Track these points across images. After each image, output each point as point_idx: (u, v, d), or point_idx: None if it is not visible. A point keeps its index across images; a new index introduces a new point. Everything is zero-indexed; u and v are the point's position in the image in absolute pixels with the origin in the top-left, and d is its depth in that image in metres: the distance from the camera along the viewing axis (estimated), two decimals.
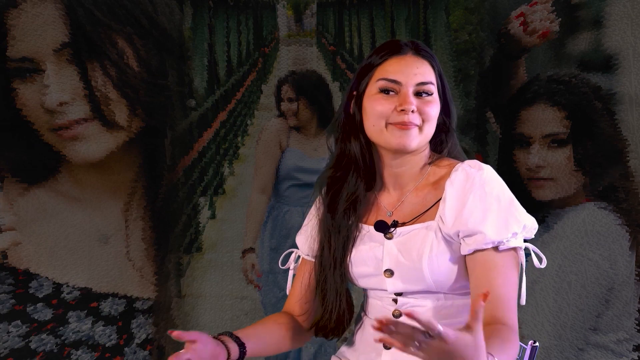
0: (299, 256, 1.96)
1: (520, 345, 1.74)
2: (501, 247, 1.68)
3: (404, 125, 1.72)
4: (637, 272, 3.31)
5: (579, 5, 3.40)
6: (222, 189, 3.90)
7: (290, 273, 1.95)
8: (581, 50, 3.40)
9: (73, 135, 3.42)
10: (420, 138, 1.75)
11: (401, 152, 1.76)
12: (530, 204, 1.77)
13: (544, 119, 3.41)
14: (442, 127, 1.81)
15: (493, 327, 1.61)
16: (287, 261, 1.96)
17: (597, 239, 3.32)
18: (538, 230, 1.74)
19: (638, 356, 3.32)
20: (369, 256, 1.79)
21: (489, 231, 1.67)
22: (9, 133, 3.40)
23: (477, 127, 3.66)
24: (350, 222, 1.82)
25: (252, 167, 3.75)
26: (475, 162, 1.76)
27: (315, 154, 3.65)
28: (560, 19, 3.41)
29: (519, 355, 1.77)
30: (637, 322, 3.33)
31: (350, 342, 1.90)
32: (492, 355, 1.45)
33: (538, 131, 3.42)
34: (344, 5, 4.05)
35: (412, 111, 1.72)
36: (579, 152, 3.37)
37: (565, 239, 3.35)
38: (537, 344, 1.72)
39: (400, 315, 1.77)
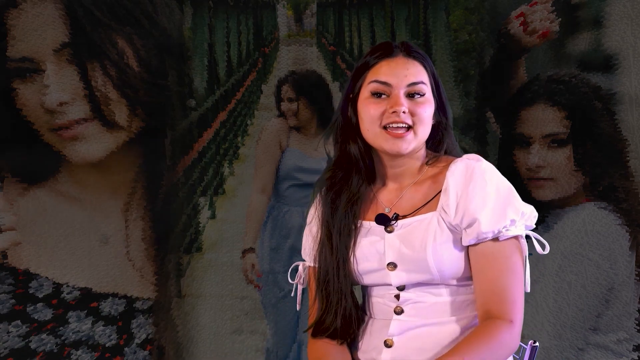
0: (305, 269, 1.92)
1: (520, 345, 1.74)
2: (501, 237, 1.69)
3: (397, 134, 1.74)
4: (637, 272, 3.31)
5: (579, 5, 3.40)
6: (222, 189, 3.89)
7: (300, 288, 1.92)
8: (581, 50, 3.40)
9: (73, 135, 3.42)
10: (415, 141, 1.76)
11: (396, 155, 1.78)
12: (530, 204, 1.77)
13: (544, 119, 3.41)
14: (439, 127, 1.82)
15: (478, 327, 1.66)
16: (295, 275, 1.93)
17: (597, 239, 3.32)
18: (538, 230, 1.74)
19: (638, 356, 3.32)
20: (371, 251, 1.79)
21: (487, 218, 1.68)
22: (9, 133, 3.40)
23: (477, 127, 3.66)
24: (351, 221, 1.82)
25: (252, 167, 3.75)
26: (474, 155, 1.78)
27: (315, 154, 3.65)
28: (560, 19, 3.41)
29: (518, 355, 1.77)
30: (637, 322, 3.33)
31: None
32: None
33: (538, 131, 3.42)
34: (344, 5, 4.05)
35: (404, 112, 1.73)
36: (579, 152, 3.37)
37: (565, 239, 3.35)
38: (537, 344, 1.72)
39: (402, 311, 1.77)
